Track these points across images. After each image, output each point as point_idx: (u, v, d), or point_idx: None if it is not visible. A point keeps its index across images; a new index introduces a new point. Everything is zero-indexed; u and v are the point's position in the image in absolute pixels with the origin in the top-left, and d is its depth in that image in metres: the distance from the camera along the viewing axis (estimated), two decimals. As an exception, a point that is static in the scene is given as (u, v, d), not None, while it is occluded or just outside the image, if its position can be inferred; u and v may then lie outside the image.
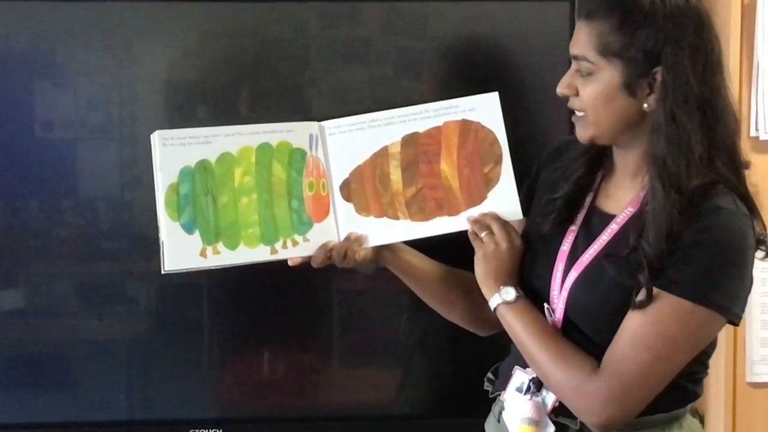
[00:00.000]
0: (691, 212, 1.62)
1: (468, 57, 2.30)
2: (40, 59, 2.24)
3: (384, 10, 2.30)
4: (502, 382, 1.83)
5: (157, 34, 2.26)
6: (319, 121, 1.92)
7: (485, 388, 1.90)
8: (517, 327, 1.75)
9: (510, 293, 1.77)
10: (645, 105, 1.67)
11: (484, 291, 1.79)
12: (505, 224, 1.83)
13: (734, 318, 1.66)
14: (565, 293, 1.73)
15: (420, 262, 1.95)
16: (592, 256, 1.72)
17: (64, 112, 2.26)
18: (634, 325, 1.63)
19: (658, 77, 1.65)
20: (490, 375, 1.91)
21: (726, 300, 1.62)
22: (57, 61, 2.25)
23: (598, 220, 1.75)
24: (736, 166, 1.69)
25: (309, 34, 2.28)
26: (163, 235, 1.80)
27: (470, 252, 1.82)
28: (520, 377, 1.78)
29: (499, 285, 1.77)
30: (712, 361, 1.78)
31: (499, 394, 1.84)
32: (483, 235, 1.82)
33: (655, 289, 1.61)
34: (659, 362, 1.63)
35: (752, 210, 1.68)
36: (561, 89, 1.73)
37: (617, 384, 1.63)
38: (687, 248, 1.61)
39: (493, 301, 1.78)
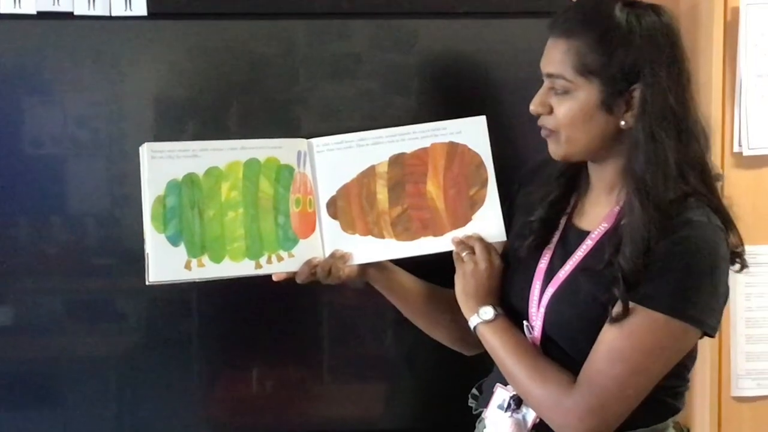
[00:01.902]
0: (666, 226, 1.63)
1: (457, 74, 2.30)
2: (30, 76, 2.25)
3: (373, 26, 2.30)
4: (486, 399, 1.84)
5: (146, 51, 2.27)
6: (308, 136, 1.93)
7: (470, 404, 1.91)
8: (496, 345, 1.76)
9: (488, 312, 1.78)
10: (622, 122, 1.68)
11: (464, 310, 1.81)
12: (486, 245, 1.84)
13: (709, 330, 1.66)
14: (542, 310, 1.74)
15: (405, 280, 1.96)
16: (568, 273, 1.73)
17: (53, 128, 2.26)
18: (609, 338, 1.64)
19: (636, 94, 1.66)
20: (474, 391, 1.92)
21: (700, 312, 1.63)
22: (46, 78, 2.25)
23: (574, 236, 1.76)
24: (708, 179, 1.70)
25: (298, 51, 2.29)
26: (149, 247, 1.82)
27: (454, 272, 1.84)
28: (501, 394, 1.79)
29: (478, 305, 1.79)
30: (698, 376, 1.79)
31: (482, 411, 1.85)
32: (464, 255, 1.83)
33: (630, 303, 1.62)
34: (635, 375, 1.64)
35: (726, 222, 1.69)
36: (534, 107, 1.73)
37: (593, 398, 1.64)
38: (660, 262, 1.62)
39: (472, 321, 1.79)
